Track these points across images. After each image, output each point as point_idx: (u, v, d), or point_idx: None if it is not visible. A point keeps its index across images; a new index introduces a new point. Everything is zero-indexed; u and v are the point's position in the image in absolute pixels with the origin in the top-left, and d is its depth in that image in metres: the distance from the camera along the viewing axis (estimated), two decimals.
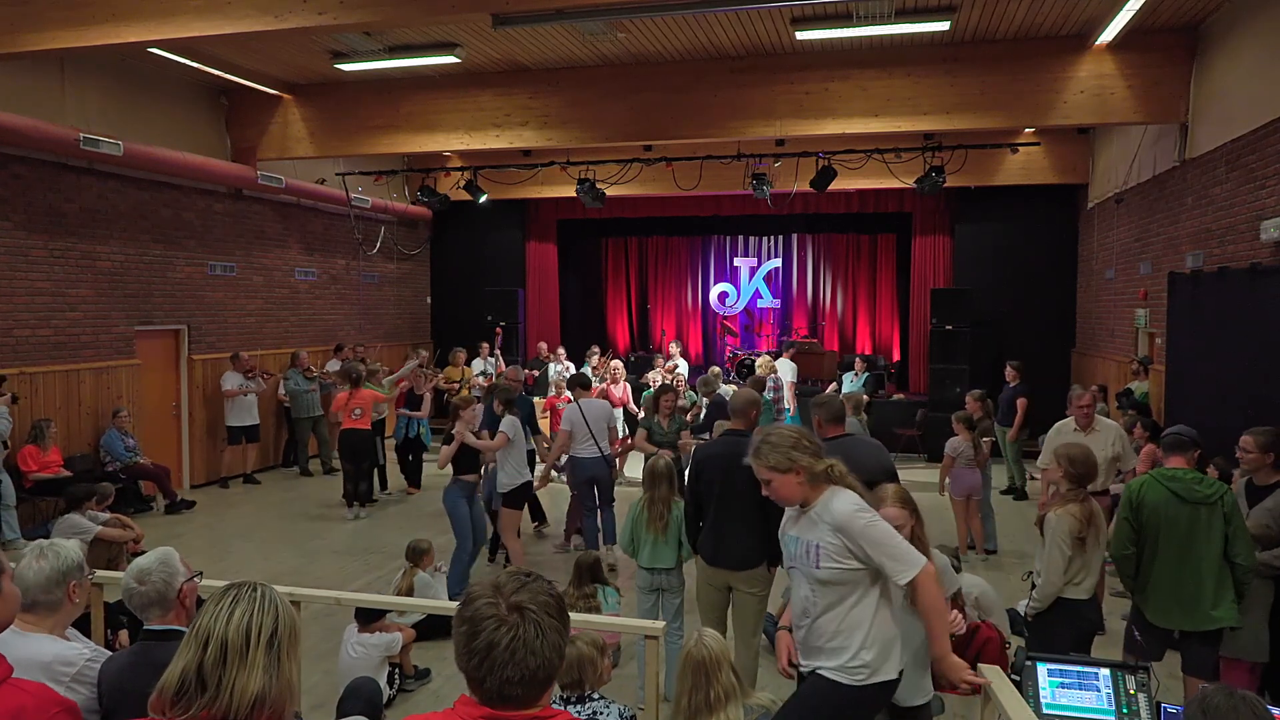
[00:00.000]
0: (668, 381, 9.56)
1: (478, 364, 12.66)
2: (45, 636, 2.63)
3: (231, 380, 10.75)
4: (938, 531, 8.57)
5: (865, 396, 11.75)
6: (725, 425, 5.22)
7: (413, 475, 10.61)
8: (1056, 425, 6.46)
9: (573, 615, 1.95)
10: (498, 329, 13.55)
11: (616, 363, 11.93)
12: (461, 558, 6.78)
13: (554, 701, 3.13)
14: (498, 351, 13.10)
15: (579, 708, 3.10)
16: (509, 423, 6.95)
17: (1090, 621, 4.22)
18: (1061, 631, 4.12)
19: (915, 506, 3.51)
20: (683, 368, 12.59)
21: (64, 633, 2.75)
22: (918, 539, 3.32)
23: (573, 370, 12.80)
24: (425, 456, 10.77)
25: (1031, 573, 4.59)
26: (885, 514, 3.21)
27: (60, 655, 2.61)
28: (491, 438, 7.03)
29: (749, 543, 4.38)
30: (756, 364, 10.75)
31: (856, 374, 12.45)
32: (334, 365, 12.00)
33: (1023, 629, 6.04)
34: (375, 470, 10.15)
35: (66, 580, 2.67)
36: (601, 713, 3.08)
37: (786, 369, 12.13)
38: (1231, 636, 4.28)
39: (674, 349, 13.23)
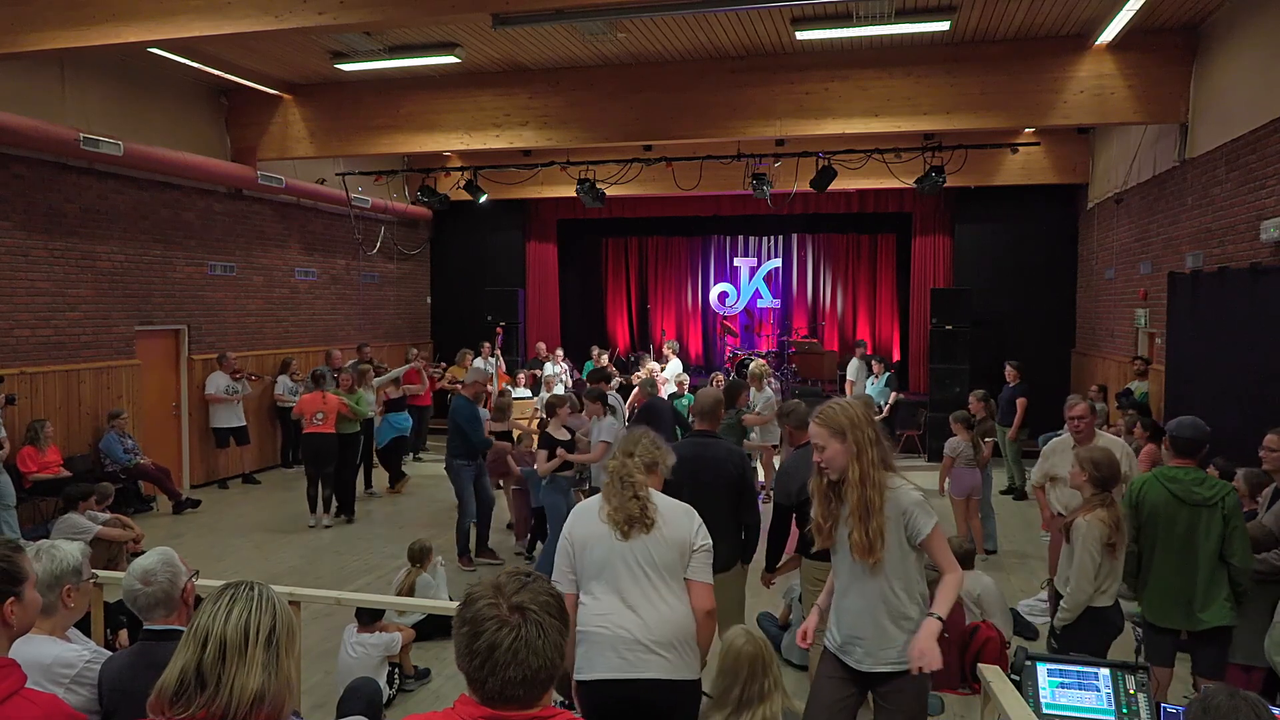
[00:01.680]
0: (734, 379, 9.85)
1: (478, 363, 12.65)
2: (45, 638, 2.62)
3: (217, 382, 10.70)
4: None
5: (888, 399, 11.84)
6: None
7: (398, 475, 10.63)
8: (1051, 443, 5.86)
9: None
10: (499, 328, 13.56)
11: (655, 365, 11.86)
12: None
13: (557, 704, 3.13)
14: (498, 351, 13.11)
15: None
16: (609, 429, 6.86)
17: (1116, 627, 4.15)
18: (1089, 641, 4.02)
19: (844, 431, 3.00)
20: (674, 367, 12.54)
21: (64, 634, 2.75)
22: (847, 476, 3.02)
23: (568, 370, 12.82)
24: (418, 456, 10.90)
25: (1050, 580, 4.55)
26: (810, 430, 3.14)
27: (60, 657, 2.61)
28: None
29: (718, 546, 4.35)
30: (751, 367, 10.72)
31: (876, 376, 12.36)
32: (349, 365, 11.99)
33: (1025, 631, 6.06)
34: (348, 476, 9.54)
35: (61, 584, 2.66)
36: None
37: (852, 369, 12.59)
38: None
39: (668, 349, 13.20)
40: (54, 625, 2.68)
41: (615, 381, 11.38)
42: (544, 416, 8.66)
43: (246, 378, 11.08)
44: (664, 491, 4.01)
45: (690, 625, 3.01)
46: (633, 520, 2.99)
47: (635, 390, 10.08)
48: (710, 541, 3.09)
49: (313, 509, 9.13)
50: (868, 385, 12.31)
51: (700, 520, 3.11)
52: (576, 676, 2.98)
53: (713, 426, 4.80)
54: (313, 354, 12.51)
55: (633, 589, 2.97)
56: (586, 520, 3.09)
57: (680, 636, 2.98)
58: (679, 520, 3.08)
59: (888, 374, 12.43)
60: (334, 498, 9.32)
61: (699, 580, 3.04)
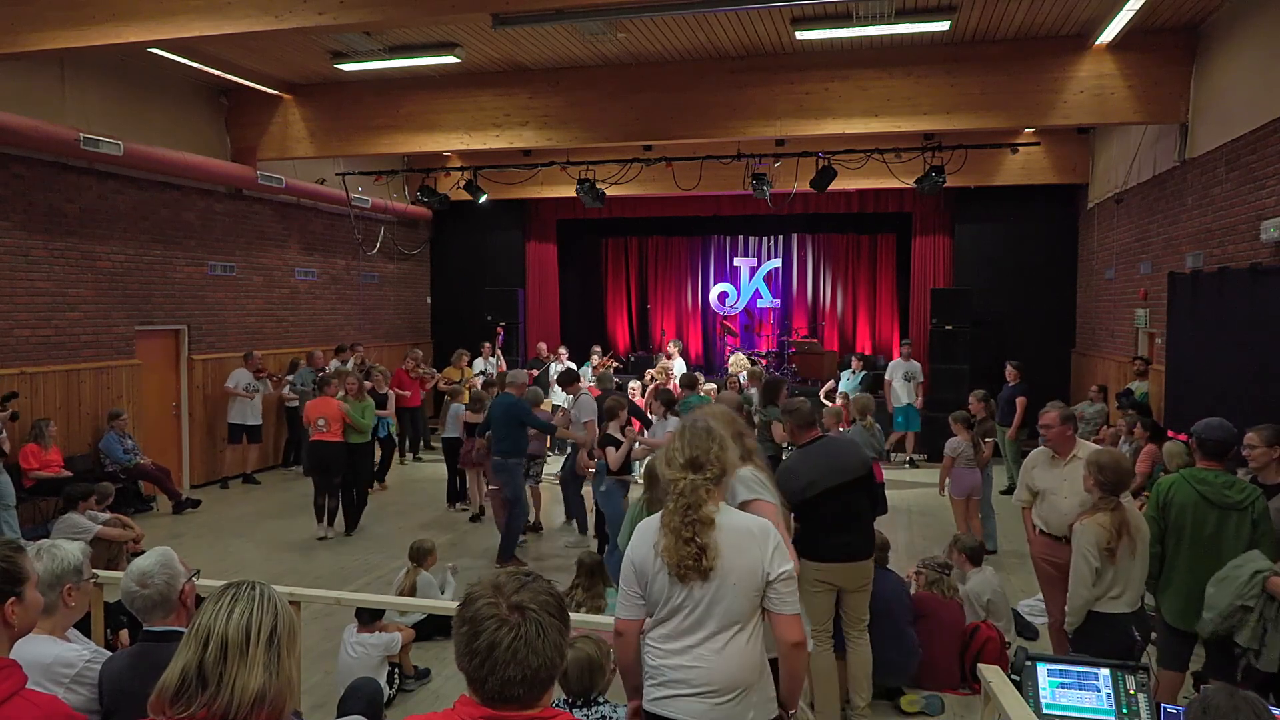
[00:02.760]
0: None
1: (478, 364, 12.67)
2: (45, 638, 2.62)
3: (240, 378, 10.73)
4: (937, 532, 8.58)
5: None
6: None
7: (380, 473, 10.63)
8: (1030, 456, 5.28)
9: (572, 615, 1.95)
10: (499, 329, 13.57)
11: (670, 363, 11.79)
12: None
13: (558, 705, 3.13)
14: (499, 351, 13.12)
15: (585, 711, 3.09)
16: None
17: (1141, 635, 4.05)
18: (1104, 647, 3.88)
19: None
20: (679, 367, 12.57)
21: (64, 634, 2.75)
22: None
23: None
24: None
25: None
26: None
27: (60, 657, 2.61)
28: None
29: None
30: (729, 365, 10.70)
31: (854, 372, 12.40)
32: (334, 366, 11.98)
33: (1025, 631, 6.06)
34: (356, 487, 8.89)
35: (61, 583, 2.66)
36: (610, 716, 3.06)
37: (891, 369, 12.15)
38: None
39: (672, 348, 13.23)
40: (54, 625, 2.68)
41: (633, 384, 11.52)
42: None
43: (269, 378, 11.09)
44: None
45: (756, 667, 2.73)
46: (686, 568, 2.65)
47: (591, 385, 10.13)
48: (791, 566, 2.74)
49: (319, 519, 8.66)
50: (843, 381, 12.33)
51: (777, 540, 2.74)
52: (645, 703, 2.77)
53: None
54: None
55: (689, 632, 2.69)
56: (646, 546, 2.75)
57: (739, 682, 2.68)
58: (748, 549, 2.68)
59: (864, 373, 12.47)
60: (340, 509, 8.76)
61: (783, 613, 2.70)
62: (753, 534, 2.71)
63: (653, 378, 11.81)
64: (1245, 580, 3.81)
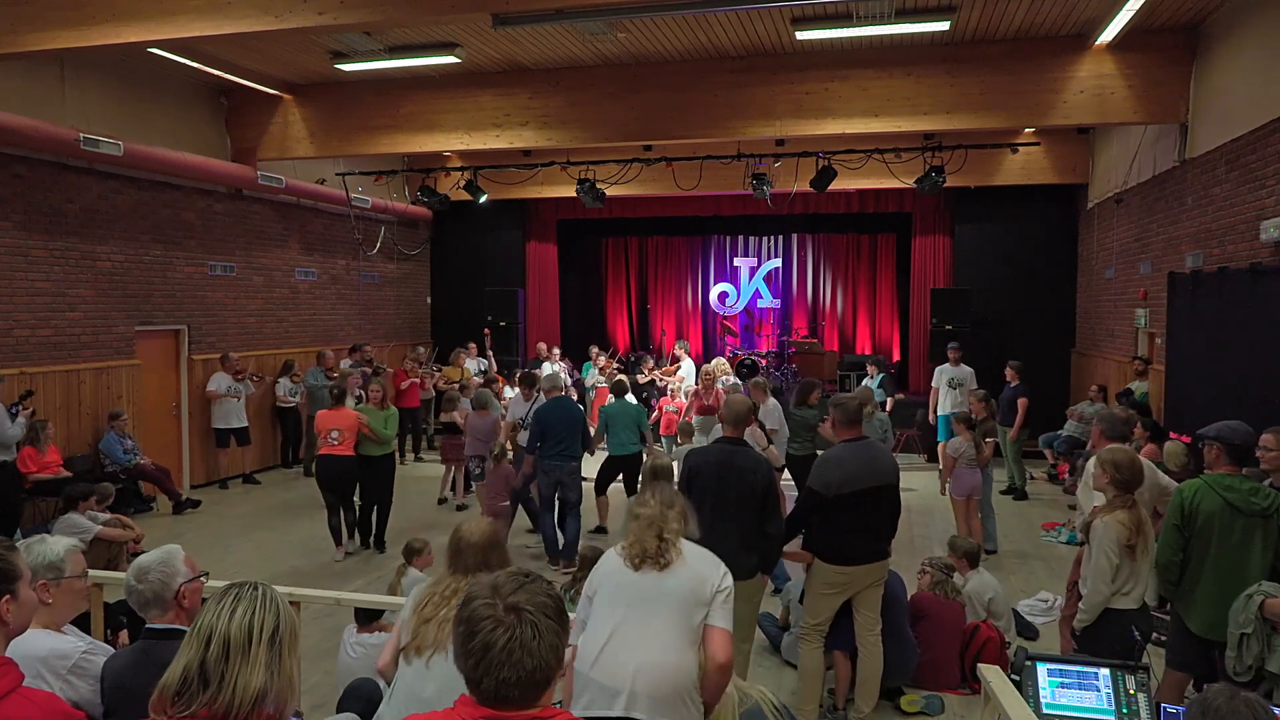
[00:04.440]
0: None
1: (470, 364, 12.70)
2: (39, 631, 2.64)
3: (220, 382, 10.66)
4: (937, 531, 8.59)
5: (889, 399, 11.68)
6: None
7: None
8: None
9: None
10: (486, 329, 13.61)
11: (713, 368, 11.67)
12: None
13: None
14: (489, 351, 13.16)
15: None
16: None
17: (1142, 633, 4.04)
18: (1111, 644, 3.91)
19: None
20: (688, 368, 12.51)
21: (60, 629, 2.77)
22: None
23: (566, 370, 12.83)
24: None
25: (1074, 583, 4.52)
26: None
27: (55, 649, 2.63)
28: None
29: (742, 554, 4.27)
30: (713, 363, 10.58)
31: (871, 377, 12.23)
32: (346, 364, 12.01)
33: (1026, 631, 6.06)
34: (383, 503, 8.24)
35: (35, 579, 2.65)
36: None
37: (962, 375, 10.79)
38: None
39: (679, 350, 13.09)
40: (48, 620, 2.69)
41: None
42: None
43: (249, 378, 11.06)
44: (689, 496, 3.81)
45: (691, 677, 2.77)
46: (646, 555, 2.87)
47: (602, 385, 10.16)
48: (732, 585, 2.95)
49: (337, 541, 7.99)
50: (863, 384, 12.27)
51: (725, 569, 2.96)
52: (573, 708, 2.77)
53: (739, 434, 4.75)
54: (313, 354, 12.48)
55: (632, 627, 2.78)
56: (606, 561, 3.01)
57: (670, 690, 2.72)
58: (702, 567, 2.93)
59: (882, 375, 12.40)
60: (358, 527, 8.18)
61: (718, 626, 2.80)
62: (709, 558, 2.98)
63: (672, 386, 11.79)
64: (1241, 607, 3.79)
